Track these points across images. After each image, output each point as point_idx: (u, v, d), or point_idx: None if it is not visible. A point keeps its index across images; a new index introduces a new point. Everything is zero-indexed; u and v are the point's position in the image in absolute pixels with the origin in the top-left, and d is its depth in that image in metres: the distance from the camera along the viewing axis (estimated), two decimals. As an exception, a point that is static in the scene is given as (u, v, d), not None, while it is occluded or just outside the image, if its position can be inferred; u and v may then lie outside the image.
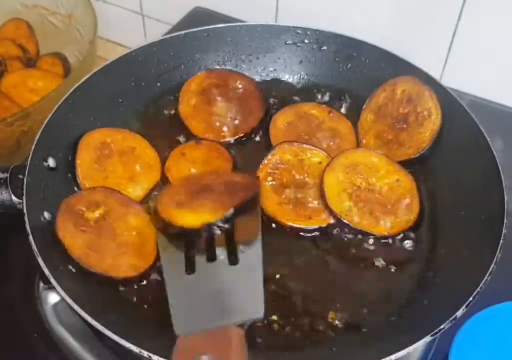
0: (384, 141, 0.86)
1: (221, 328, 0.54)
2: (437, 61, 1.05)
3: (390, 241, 0.78)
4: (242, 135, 0.89)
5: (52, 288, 0.67)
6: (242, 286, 0.57)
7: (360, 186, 0.80)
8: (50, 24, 1.16)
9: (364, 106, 0.89)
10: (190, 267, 0.56)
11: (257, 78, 0.97)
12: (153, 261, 0.73)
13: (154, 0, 1.28)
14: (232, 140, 0.89)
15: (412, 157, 0.83)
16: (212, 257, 0.56)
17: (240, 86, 0.92)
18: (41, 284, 0.80)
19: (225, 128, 0.89)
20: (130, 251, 0.74)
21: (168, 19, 1.26)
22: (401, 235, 0.78)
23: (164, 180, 0.83)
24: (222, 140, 0.88)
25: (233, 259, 0.56)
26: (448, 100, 0.84)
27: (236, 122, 0.90)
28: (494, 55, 1.00)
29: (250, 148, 0.89)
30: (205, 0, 1.22)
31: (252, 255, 0.57)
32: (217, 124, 0.89)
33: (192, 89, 0.91)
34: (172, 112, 0.92)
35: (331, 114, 0.90)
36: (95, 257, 0.72)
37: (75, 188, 0.80)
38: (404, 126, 0.86)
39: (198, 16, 1.22)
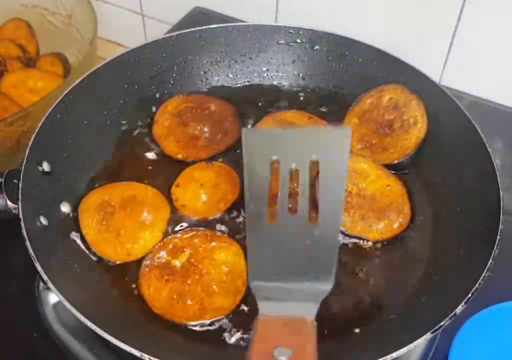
0: (367, 144, 0.86)
1: (298, 318, 0.55)
2: (437, 61, 1.05)
3: (386, 243, 0.78)
4: (216, 154, 0.86)
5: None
6: (317, 250, 0.60)
7: (352, 191, 0.80)
8: (50, 24, 1.16)
9: (349, 109, 0.90)
10: (271, 218, 0.59)
11: (250, 79, 0.97)
12: (240, 299, 0.70)
13: (154, 0, 1.28)
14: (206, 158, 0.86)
15: (396, 161, 0.84)
16: (293, 209, 0.59)
17: (216, 110, 0.91)
18: (41, 284, 0.80)
19: (198, 147, 0.87)
20: (217, 292, 0.71)
21: (168, 19, 1.26)
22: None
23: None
24: (195, 160, 0.85)
25: (312, 215, 0.59)
26: (440, 96, 0.84)
27: (210, 142, 0.88)
28: (494, 55, 1.00)
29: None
30: (205, 0, 1.22)
31: (331, 223, 0.59)
32: (190, 144, 0.87)
33: (169, 111, 0.90)
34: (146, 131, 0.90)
35: (311, 119, 0.90)
36: (180, 308, 0.69)
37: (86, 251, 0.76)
38: (389, 131, 0.86)
39: (198, 16, 1.22)
